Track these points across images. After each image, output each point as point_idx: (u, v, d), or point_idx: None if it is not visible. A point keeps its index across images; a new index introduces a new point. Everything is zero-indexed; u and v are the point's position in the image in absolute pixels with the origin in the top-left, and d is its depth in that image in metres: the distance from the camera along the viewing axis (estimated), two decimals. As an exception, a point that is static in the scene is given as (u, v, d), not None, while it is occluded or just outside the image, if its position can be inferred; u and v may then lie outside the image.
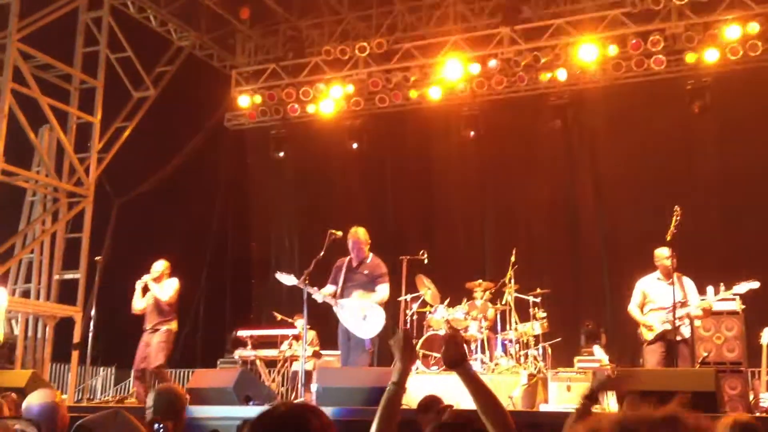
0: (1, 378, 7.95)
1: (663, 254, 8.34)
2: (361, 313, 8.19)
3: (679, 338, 8.04)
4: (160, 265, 9.34)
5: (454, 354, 2.85)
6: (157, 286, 9.17)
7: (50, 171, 12.22)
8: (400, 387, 2.83)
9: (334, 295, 8.30)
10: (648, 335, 8.32)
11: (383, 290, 8.41)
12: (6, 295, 9.03)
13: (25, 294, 12.33)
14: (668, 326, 8.02)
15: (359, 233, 8.49)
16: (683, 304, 8.14)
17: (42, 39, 11.73)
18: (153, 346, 8.98)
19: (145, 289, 9.27)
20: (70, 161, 12.32)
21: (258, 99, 13.78)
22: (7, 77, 11.21)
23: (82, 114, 12.51)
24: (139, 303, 9.24)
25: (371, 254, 8.61)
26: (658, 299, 8.35)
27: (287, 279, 8.14)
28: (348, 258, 8.51)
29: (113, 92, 12.82)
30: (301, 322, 9.28)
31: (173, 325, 9.19)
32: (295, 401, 1.96)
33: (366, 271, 8.41)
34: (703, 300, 8.33)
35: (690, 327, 8.26)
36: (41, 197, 12.61)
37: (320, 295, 8.11)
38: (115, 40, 12.78)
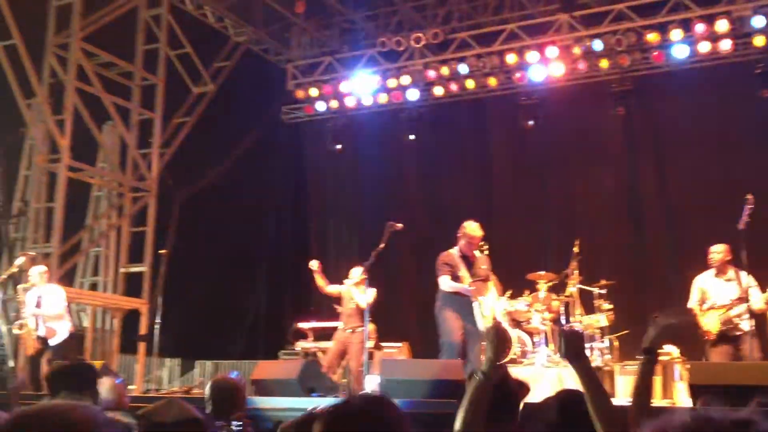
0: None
1: (715, 250, 8.31)
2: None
3: (738, 333, 8.02)
4: (359, 272, 9.73)
5: (574, 349, 2.93)
6: (358, 291, 9.60)
7: (114, 167, 12.47)
8: (488, 377, 2.89)
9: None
10: (711, 336, 8.25)
11: None
12: (64, 294, 9.27)
13: (93, 287, 12.65)
14: (728, 325, 8.09)
15: (480, 231, 8.47)
16: (741, 300, 8.03)
17: (104, 38, 11.94)
18: (354, 347, 9.50)
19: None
20: (132, 157, 12.54)
21: (314, 92, 13.81)
22: (72, 76, 11.46)
23: (143, 110, 12.72)
24: (329, 287, 10.05)
25: None
26: (715, 297, 8.31)
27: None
28: (455, 252, 8.45)
29: (173, 88, 13.00)
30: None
31: (370, 328, 9.88)
32: (368, 393, 2.07)
33: (484, 266, 8.52)
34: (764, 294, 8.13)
35: (756, 321, 8.01)
36: (106, 192, 12.86)
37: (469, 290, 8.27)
38: (173, 37, 12.97)
